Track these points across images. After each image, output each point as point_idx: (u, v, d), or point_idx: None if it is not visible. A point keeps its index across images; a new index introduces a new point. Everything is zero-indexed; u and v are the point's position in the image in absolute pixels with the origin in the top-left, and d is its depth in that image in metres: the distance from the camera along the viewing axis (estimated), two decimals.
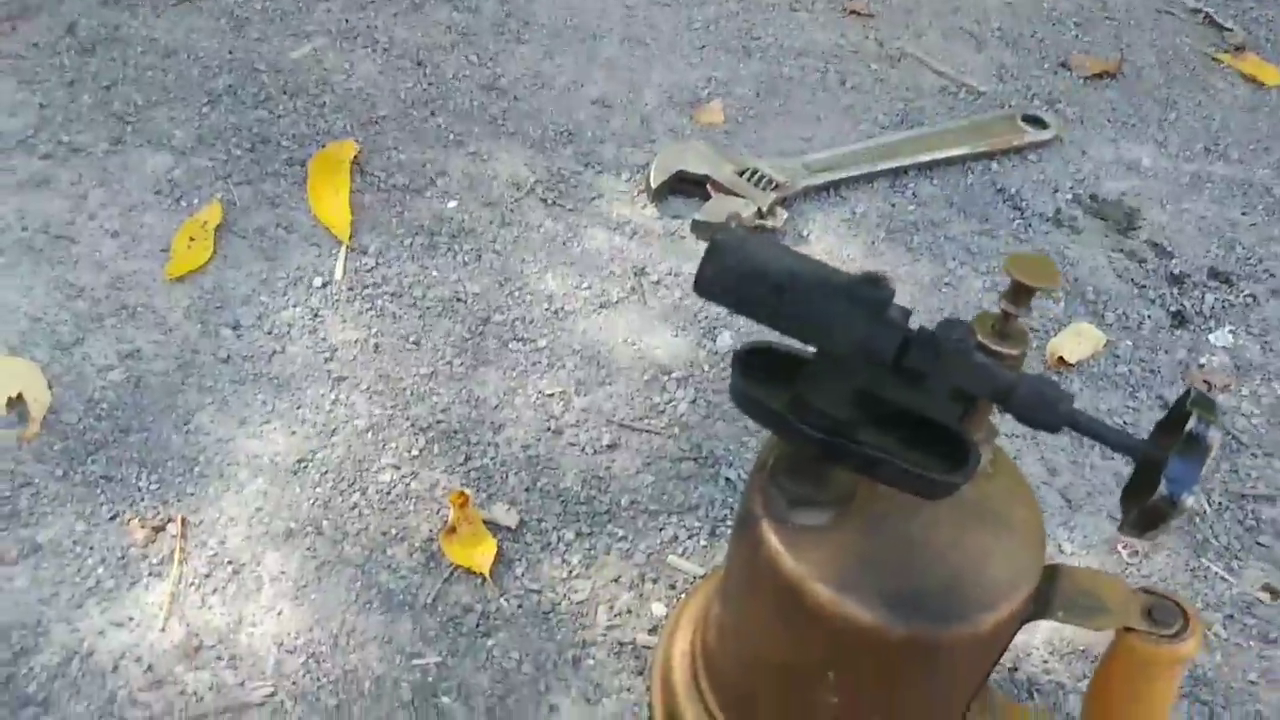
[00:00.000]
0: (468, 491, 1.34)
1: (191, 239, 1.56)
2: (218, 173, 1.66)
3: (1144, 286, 1.72)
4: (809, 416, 0.89)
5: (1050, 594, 0.93)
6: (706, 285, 0.87)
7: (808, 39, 2.03)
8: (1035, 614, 0.93)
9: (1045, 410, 0.83)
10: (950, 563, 0.91)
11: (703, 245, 1.67)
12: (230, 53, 1.83)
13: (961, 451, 0.88)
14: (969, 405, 0.88)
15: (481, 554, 1.31)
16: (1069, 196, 1.84)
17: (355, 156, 1.68)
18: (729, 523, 1.37)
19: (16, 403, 1.38)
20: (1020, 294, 0.91)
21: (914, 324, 0.85)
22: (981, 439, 0.93)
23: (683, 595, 1.30)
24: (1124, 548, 1.41)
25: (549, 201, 1.70)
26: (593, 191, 1.73)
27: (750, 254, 0.85)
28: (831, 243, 1.71)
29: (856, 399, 0.88)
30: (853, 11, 2.10)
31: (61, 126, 1.69)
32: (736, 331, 1.56)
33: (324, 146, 1.70)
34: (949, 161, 1.84)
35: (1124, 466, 1.49)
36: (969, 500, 0.94)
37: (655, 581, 1.31)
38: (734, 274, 0.85)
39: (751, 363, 0.93)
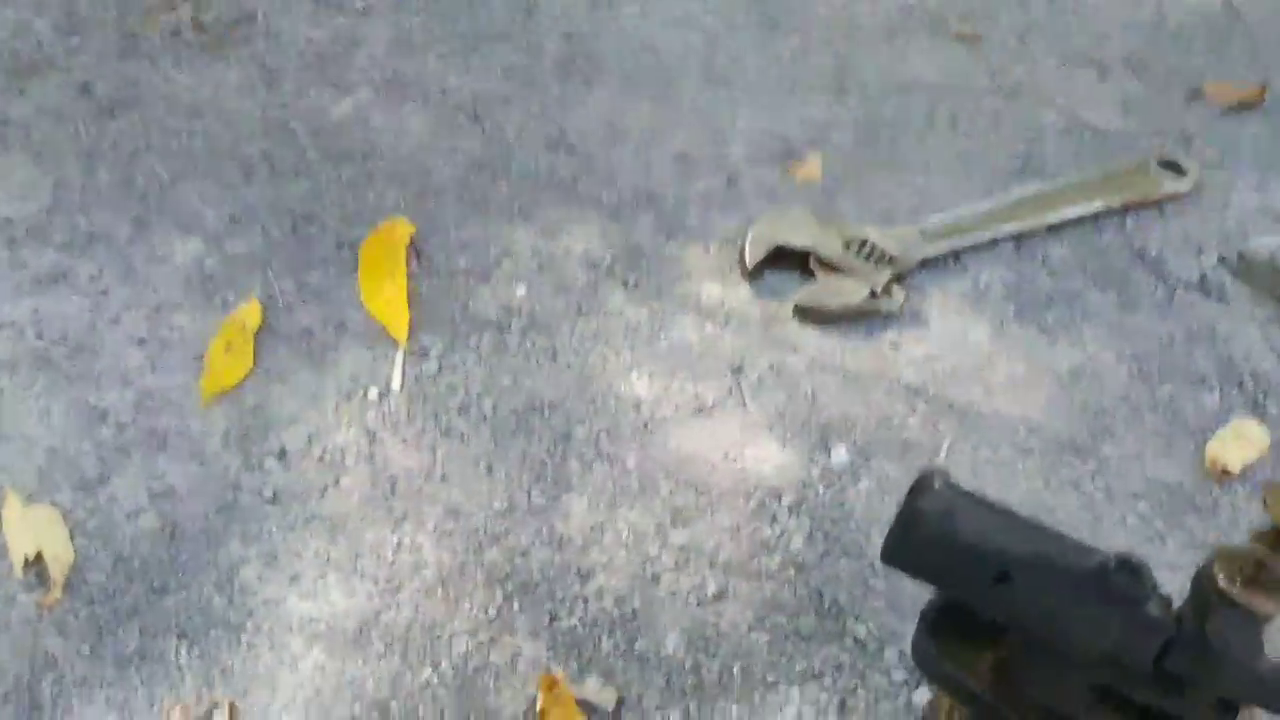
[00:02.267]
0: (558, 672, 1.15)
1: (229, 345, 1.37)
2: (256, 260, 1.46)
3: None
4: (1021, 705, 0.70)
5: None
6: (900, 559, 0.67)
7: (910, 71, 1.81)
8: None
9: None
10: None
11: (807, 331, 1.46)
12: (264, 111, 1.62)
13: None
14: (1234, 713, 0.68)
15: None
16: (1214, 259, 1.62)
17: (411, 238, 1.48)
18: (860, 693, 1.18)
19: (34, 563, 1.20)
20: None
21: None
22: None
23: None
24: None
25: (629, 284, 1.50)
26: (678, 269, 1.52)
27: (963, 528, 0.66)
28: (955, 325, 1.50)
29: (1088, 692, 0.69)
30: (958, 35, 1.86)
31: (79, 209, 1.50)
32: (853, 445, 1.36)
33: (375, 226, 1.50)
34: (1079, 220, 1.62)
35: None
36: None
37: None
38: (941, 551, 0.66)
39: (942, 622, 0.74)
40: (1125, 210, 1.65)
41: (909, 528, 0.67)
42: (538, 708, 1.13)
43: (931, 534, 0.66)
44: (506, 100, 1.68)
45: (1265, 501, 0.71)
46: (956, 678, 0.73)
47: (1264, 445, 1.42)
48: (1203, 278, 1.59)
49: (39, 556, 1.20)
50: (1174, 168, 1.70)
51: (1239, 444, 1.41)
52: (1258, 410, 1.46)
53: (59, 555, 1.20)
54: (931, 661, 0.73)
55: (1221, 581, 0.72)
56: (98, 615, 1.18)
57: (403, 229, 1.48)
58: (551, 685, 1.14)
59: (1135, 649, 0.64)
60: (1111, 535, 1.32)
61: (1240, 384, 1.48)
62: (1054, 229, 1.61)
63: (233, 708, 1.13)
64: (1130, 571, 0.64)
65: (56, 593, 1.18)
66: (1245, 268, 1.60)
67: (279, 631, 1.18)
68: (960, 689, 0.74)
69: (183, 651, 1.16)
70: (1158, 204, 1.67)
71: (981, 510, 0.68)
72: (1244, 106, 1.82)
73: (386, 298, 1.42)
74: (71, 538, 1.23)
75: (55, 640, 1.16)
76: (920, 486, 0.67)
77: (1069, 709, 0.70)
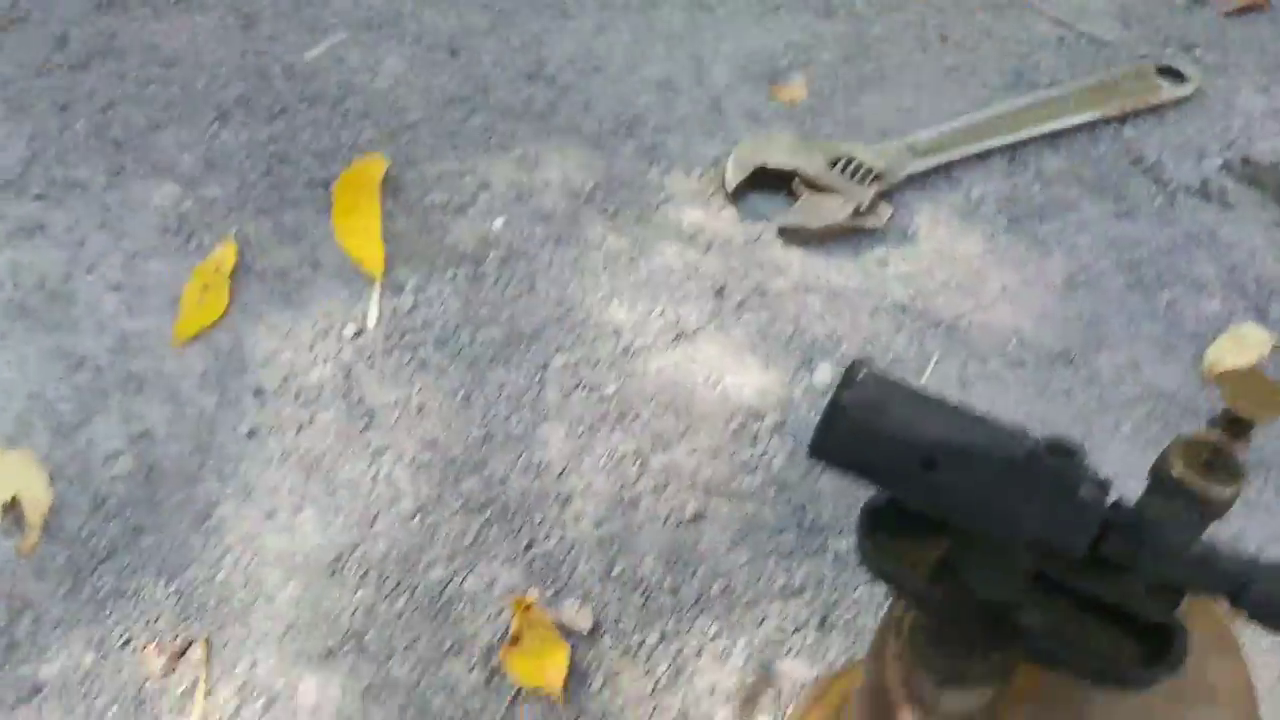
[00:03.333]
0: (531, 595, 1.14)
1: (205, 288, 1.36)
2: (231, 203, 1.45)
3: None
4: (963, 596, 0.68)
5: None
6: (827, 451, 0.64)
7: None
8: None
9: None
10: None
11: (792, 252, 1.43)
12: (240, 57, 1.61)
13: (1164, 638, 0.66)
14: (1178, 597, 0.66)
15: (551, 668, 1.11)
16: (1217, 162, 1.57)
17: (385, 174, 1.46)
18: (841, 608, 1.16)
19: (11, 507, 1.20)
20: (1237, 426, 0.68)
21: (1102, 480, 0.63)
22: None
23: (789, 708, 1.09)
24: None
25: (610, 212, 1.47)
26: (660, 195, 1.49)
27: (888, 416, 0.62)
28: (943, 238, 1.46)
29: (1027, 580, 0.67)
30: None
31: (55, 160, 1.49)
32: (838, 363, 1.33)
33: (349, 164, 1.48)
34: (1075, 129, 1.58)
35: None
36: None
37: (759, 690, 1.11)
38: (867, 442, 0.63)
39: (882, 519, 0.71)
40: (1123, 119, 1.60)
41: (833, 420, 0.64)
42: (511, 631, 1.12)
43: (856, 425, 0.63)
44: (484, 34, 1.65)
45: (1220, 387, 0.68)
46: (898, 574, 0.70)
47: (1265, 348, 1.38)
48: (1204, 183, 1.54)
49: (14, 502, 1.20)
50: (1174, 74, 1.64)
51: (1239, 348, 1.37)
52: (1260, 315, 1.41)
53: (36, 499, 1.20)
54: (871, 559, 0.70)
55: (1177, 468, 0.70)
56: (75, 557, 1.18)
57: (376, 165, 1.46)
58: (526, 608, 1.13)
59: (1068, 535, 0.61)
60: (1105, 444, 1.28)
61: (1242, 288, 1.43)
62: (1049, 140, 1.57)
63: (208, 643, 1.13)
64: (1062, 454, 0.60)
65: (34, 537, 1.19)
66: (1251, 171, 1.55)
67: (255, 566, 1.18)
68: (903, 586, 0.71)
69: (160, 589, 1.16)
70: (1157, 110, 1.62)
71: (908, 399, 0.64)
72: (1248, 10, 1.76)
73: (360, 234, 1.40)
74: (51, 482, 1.23)
75: (33, 584, 1.16)
76: (846, 379, 0.64)
77: (1009, 599, 0.67)
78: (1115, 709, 0.72)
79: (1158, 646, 0.66)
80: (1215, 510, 0.71)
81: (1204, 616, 0.76)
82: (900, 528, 0.70)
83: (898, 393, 0.63)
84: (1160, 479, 0.71)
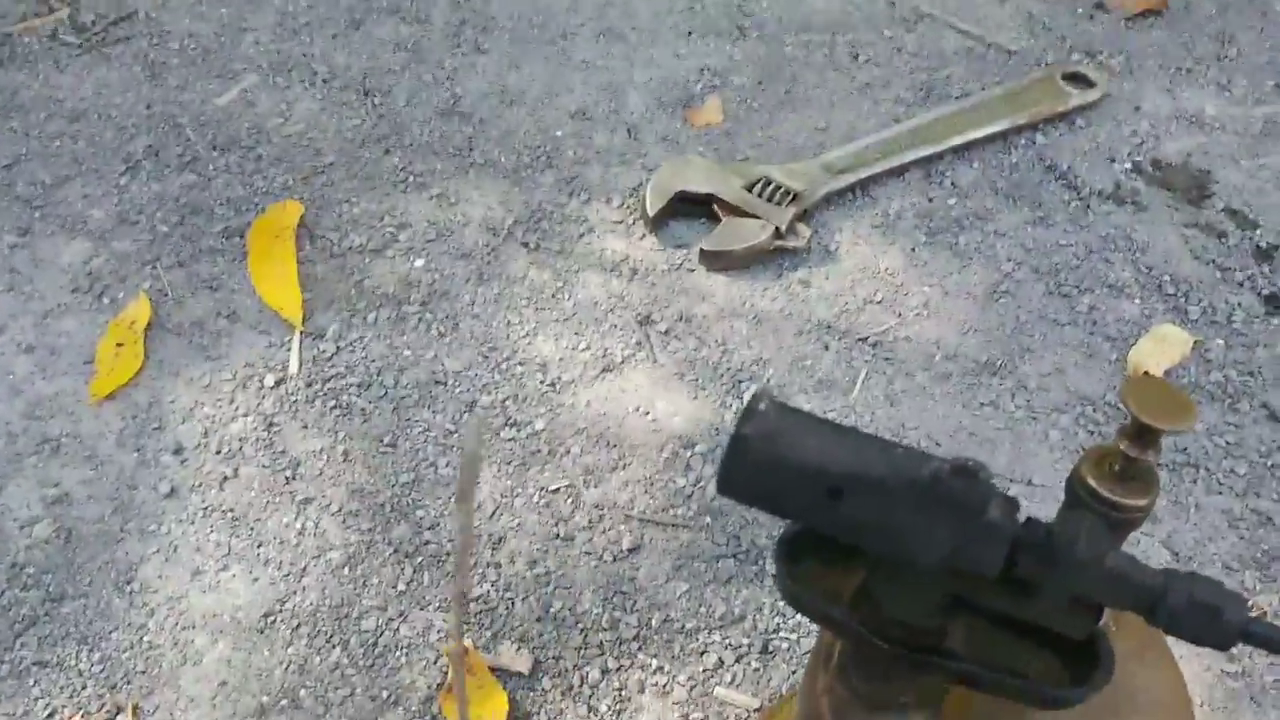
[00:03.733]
0: (466, 642, 1.12)
1: (119, 344, 1.33)
2: (143, 257, 1.42)
3: (1228, 268, 1.48)
4: (882, 626, 0.67)
5: None
6: (733, 486, 0.64)
7: (809, 9, 1.77)
8: None
9: (1207, 624, 0.60)
10: None
11: (715, 278, 1.43)
12: (148, 107, 1.58)
13: (1088, 655, 0.66)
14: (1098, 613, 0.65)
15: (491, 713, 1.09)
16: (1127, 166, 1.59)
17: (300, 219, 1.44)
18: (782, 633, 1.15)
19: None
20: (1146, 434, 0.68)
21: (1013, 494, 0.62)
22: None
23: None
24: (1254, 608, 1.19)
25: (531, 245, 1.46)
26: (581, 226, 1.49)
27: (789, 448, 0.62)
28: (865, 254, 1.46)
29: (945, 604, 0.66)
30: None
31: None
32: (767, 383, 1.33)
33: (263, 211, 1.46)
34: (988, 140, 1.59)
35: (1237, 502, 1.26)
36: None
37: None
38: (770, 474, 0.62)
39: (802, 547, 0.70)
40: (1034, 127, 1.62)
41: (735, 455, 0.63)
42: (449, 679, 1.10)
43: (758, 459, 0.62)
44: (396, 72, 1.64)
45: (1122, 396, 0.69)
46: (814, 603, 0.70)
47: (1185, 348, 1.39)
48: (1116, 186, 1.56)
49: None
50: (1081, 80, 1.67)
51: (1160, 349, 1.39)
52: (1178, 314, 1.43)
53: None
54: (788, 589, 0.70)
55: (1090, 481, 0.70)
56: None
57: (291, 210, 1.44)
58: (461, 654, 1.11)
59: (978, 557, 0.61)
60: (1034, 453, 1.29)
61: (1160, 288, 1.45)
62: (962, 152, 1.58)
63: (136, 709, 1.10)
64: (966, 476, 0.60)
65: None
66: (1161, 172, 1.57)
67: (181, 628, 1.15)
68: (820, 615, 0.71)
69: (83, 657, 1.13)
70: (1066, 117, 1.64)
71: (809, 428, 0.63)
72: (1147, 14, 1.79)
73: (277, 281, 1.38)
74: None
75: None
76: (747, 411, 0.64)
77: (926, 624, 0.67)
78: None
79: (1084, 662, 0.65)
80: (1131, 520, 0.71)
81: (1133, 625, 0.76)
82: (821, 555, 0.70)
83: (799, 422, 0.63)
84: (1074, 492, 0.71)
